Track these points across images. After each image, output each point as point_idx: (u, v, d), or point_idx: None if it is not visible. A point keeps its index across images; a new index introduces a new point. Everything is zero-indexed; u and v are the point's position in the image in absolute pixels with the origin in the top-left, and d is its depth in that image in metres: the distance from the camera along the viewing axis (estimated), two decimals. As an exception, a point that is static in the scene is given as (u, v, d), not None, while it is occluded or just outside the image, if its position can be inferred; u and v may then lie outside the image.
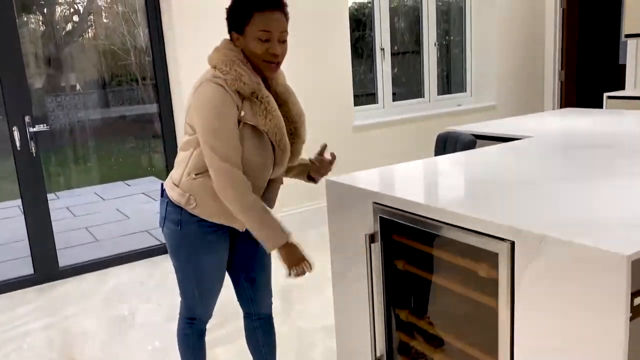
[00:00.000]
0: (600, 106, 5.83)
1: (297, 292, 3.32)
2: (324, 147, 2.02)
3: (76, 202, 6.30)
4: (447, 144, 2.62)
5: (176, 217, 1.80)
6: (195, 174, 1.76)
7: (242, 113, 1.68)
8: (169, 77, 3.93)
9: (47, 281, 3.69)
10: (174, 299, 3.42)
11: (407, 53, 5.16)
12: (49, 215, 3.68)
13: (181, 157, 1.82)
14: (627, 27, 4.57)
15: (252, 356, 2.14)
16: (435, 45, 5.14)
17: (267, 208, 1.75)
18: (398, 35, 5.05)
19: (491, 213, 1.47)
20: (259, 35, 1.67)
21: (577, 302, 1.24)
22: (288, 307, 3.14)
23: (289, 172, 1.99)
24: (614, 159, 2.02)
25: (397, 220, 1.74)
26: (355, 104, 4.61)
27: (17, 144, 3.47)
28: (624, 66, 6.32)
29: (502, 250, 1.40)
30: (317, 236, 4.07)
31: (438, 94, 5.29)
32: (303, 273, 1.77)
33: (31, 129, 3.50)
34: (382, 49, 4.79)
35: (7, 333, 3.05)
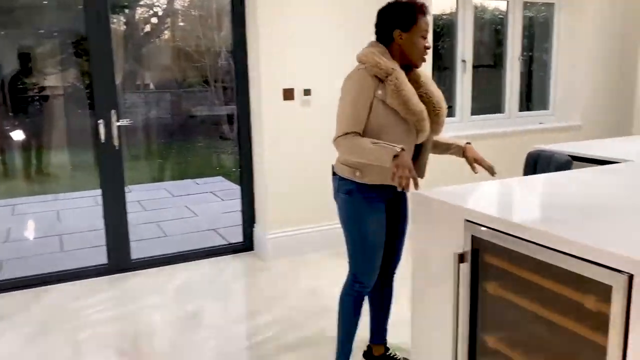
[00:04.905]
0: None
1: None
2: (479, 161, 2.33)
3: (147, 197, 6.49)
4: (538, 162, 2.48)
5: (347, 187, 2.25)
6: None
7: (379, 92, 2.11)
8: (249, 79, 3.97)
9: (119, 272, 3.79)
10: (240, 301, 3.42)
11: (482, 66, 4.97)
12: (126, 207, 3.78)
13: None
14: None
15: (370, 304, 2.54)
16: (519, 59, 4.94)
17: (376, 140, 2.08)
18: (475, 48, 4.88)
19: (604, 241, 1.35)
20: (422, 33, 2.17)
21: None
22: (355, 319, 3.07)
23: (444, 150, 2.43)
24: None
25: (491, 241, 1.64)
26: (432, 116, 4.48)
27: (102, 137, 3.59)
28: None
29: (618, 283, 1.28)
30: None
31: (518, 110, 5.07)
32: (407, 179, 1.95)
33: (116, 123, 3.61)
34: (464, 61, 4.65)
35: (80, 319, 3.14)
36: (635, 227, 1.45)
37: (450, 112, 4.77)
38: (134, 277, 3.76)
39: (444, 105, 2.28)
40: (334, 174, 2.34)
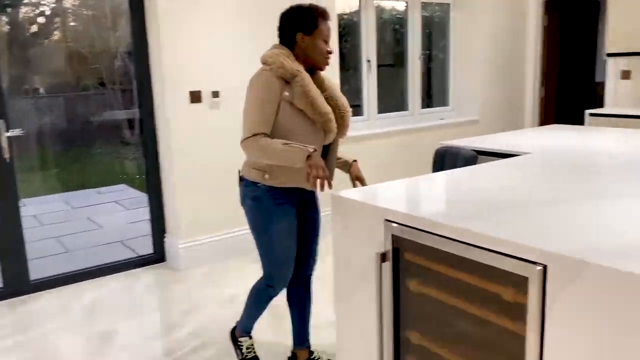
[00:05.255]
0: (577, 123, 5.93)
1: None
2: (360, 180, 2.42)
3: (44, 210, 6.03)
4: (445, 158, 2.57)
5: (254, 193, 2.24)
6: None
7: (286, 93, 2.13)
8: (152, 81, 3.79)
9: (17, 295, 3.48)
10: (156, 316, 3.27)
11: (383, 66, 5.10)
12: (21, 224, 3.48)
13: None
14: (609, 46, 4.65)
15: (290, 308, 2.54)
16: (419, 58, 5.13)
17: (287, 141, 2.10)
18: (378, 48, 5.01)
19: (518, 234, 1.41)
20: (324, 37, 2.21)
21: (615, 330, 1.19)
22: (277, 323, 3.03)
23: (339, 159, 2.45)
24: (626, 178, 1.99)
25: (411, 239, 1.67)
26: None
27: (-11, 149, 3.27)
28: (599, 84, 6.46)
29: (533, 274, 1.34)
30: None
31: (421, 108, 5.27)
32: (322, 179, 2.01)
33: (5, 134, 3.30)
34: (369, 61, 4.75)
35: (-26, 352, 2.85)
36: (545, 219, 1.53)
37: (358, 112, 4.86)
38: (35, 299, 3.47)
39: (349, 108, 2.33)
40: (240, 179, 2.32)
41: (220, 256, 3.98)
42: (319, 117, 2.18)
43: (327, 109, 2.21)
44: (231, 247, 3.99)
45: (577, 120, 5.95)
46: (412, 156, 4.86)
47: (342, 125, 2.30)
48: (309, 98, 2.15)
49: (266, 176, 2.22)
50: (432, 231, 1.59)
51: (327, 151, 2.33)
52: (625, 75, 4.90)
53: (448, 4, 5.32)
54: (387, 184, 2.07)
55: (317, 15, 2.21)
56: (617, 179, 1.99)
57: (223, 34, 3.81)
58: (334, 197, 1.95)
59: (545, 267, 1.32)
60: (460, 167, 2.42)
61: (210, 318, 3.13)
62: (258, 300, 2.44)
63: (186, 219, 3.84)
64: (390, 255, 1.76)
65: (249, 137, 2.14)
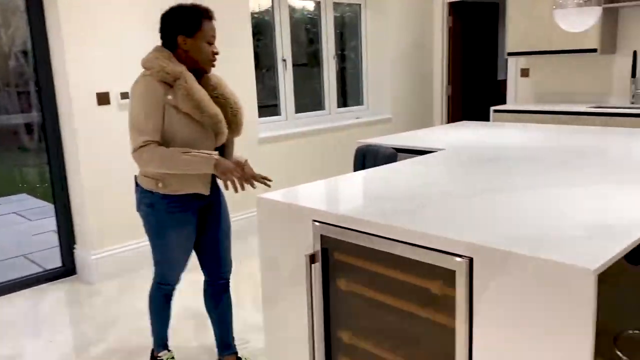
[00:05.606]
0: (483, 119, 6.26)
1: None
2: (257, 179, 2.24)
3: None
4: (366, 157, 2.60)
5: (149, 200, 2.17)
6: None
7: (169, 97, 2.04)
8: (54, 82, 3.54)
9: None
10: (68, 333, 3.05)
11: (296, 65, 5.11)
12: None
13: None
14: (510, 46, 4.94)
15: (210, 316, 2.45)
16: (334, 57, 5.18)
17: (185, 149, 2.05)
18: (294, 47, 5.01)
19: (444, 228, 1.45)
20: (208, 39, 2.13)
21: (541, 317, 1.24)
22: (202, 333, 2.93)
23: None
24: (534, 170, 2.11)
25: (340, 238, 1.66)
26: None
27: None
28: (502, 81, 6.86)
29: (460, 267, 1.38)
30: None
31: (337, 107, 5.33)
32: (241, 180, 2.06)
33: None
34: (284, 60, 4.73)
35: None
36: (467, 212, 1.58)
37: (275, 111, 4.82)
38: None
39: (240, 105, 2.28)
40: (137, 184, 2.24)
41: (135, 266, 3.79)
42: (208, 119, 2.10)
43: (216, 110, 2.13)
44: (148, 256, 3.82)
45: (483, 116, 6.28)
46: (331, 155, 4.90)
47: (235, 124, 2.24)
48: (194, 101, 2.06)
49: (159, 185, 2.14)
50: (360, 229, 1.60)
51: (222, 153, 2.27)
52: (525, 73, 5.23)
53: (358, 5, 5.42)
54: (313, 184, 2.06)
55: (200, 15, 2.11)
56: (526, 171, 2.11)
57: (131, 30, 3.64)
58: (260, 199, 1.91)
59: (471, 259, 1.36)
60: (381, 164, 2.46)
61: (130, 332, 2.97)
62: (157, 305, 2.38)
63: (97, 228, 3.62)
64: (319, 255, 1.74)
65: (142, 146, 2.04)
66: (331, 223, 1.67)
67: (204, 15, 2.11)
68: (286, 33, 4.73)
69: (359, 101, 5.63)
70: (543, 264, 1.22)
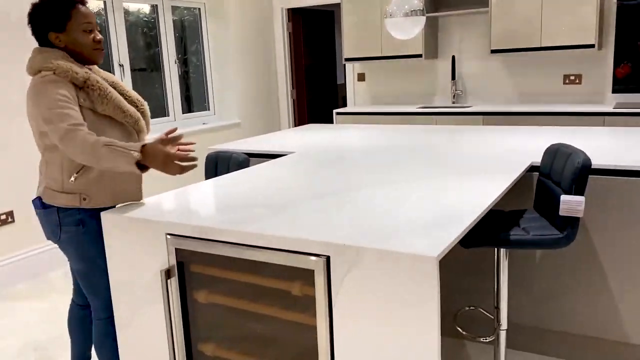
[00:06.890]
0: (327, 121, 6.53)
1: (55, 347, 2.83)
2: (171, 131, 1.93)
3: None
4: (218, 164, 2.57)
5: (75, 217, 1.88)
6: (77, 172, 1.86)
7: (82, 100, 1.83)
8: None
9: None
10: None
11: (135, 70, 4.88)
12: None
13: (52, 161, 1.87)
14: (346, 52, 5.22)
15: (72, 339, 2.22)
16: (175, 62, 5.03)
17: (111, 140, 1.72)
18: (131, 52, 4.77)
19: (299, 229, 1.48)
20: (83, 27, 1.87)
21: (393, 305, 1.34)
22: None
23: None
24: (378, 169, 2.25)
25: (196, 250, 1.62)
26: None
27: None
28: (342, 85, 7.22)
29: (318, 266, 1.43)
30: (65, 277, 3.55)
31: (182, 113, 5.19)
32: (183, 164, 1.72)
33: None
34: (122, 65, 4.48)
35: None
36: (321, 212, 1.64)
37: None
38: None
39: (144, 101, 2.12)
40: (45, 206, 1.91)
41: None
42: (130, 118, 1.94)
43: (132, 107, 1.98)
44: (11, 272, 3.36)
45: (327, 118, 6.55)
46: (178, 163, 4.73)
47: (145, 121, 2.07)
48: (113, 101, 1.88)
49: (84, 199, 1.87)
50: (216, 238, 1.57)
51: None
52: (361, 77, 5.56)
53: (198, 9, 5.32)
54: (162, 195, 1.98)
55: (65, 4, 1.86)
56: (370, 169, 2.25)
57: None
58: (107, 215, 1.79)
59: (328, 257, 1.41)
60: (233, 171, 2.44)
61: (-46, 377, 2.58)
62: (107, 342, 2.01)
63: None
64: (175, 270, 1.69)
65: (69, 128, 1.71)
66: (185, 235, 1.63)
67: (71, 3, 1.86)
68: (122, 36, 4.48)
69: (204, 107, 5.53)
70: (391, 255, 1.31)
